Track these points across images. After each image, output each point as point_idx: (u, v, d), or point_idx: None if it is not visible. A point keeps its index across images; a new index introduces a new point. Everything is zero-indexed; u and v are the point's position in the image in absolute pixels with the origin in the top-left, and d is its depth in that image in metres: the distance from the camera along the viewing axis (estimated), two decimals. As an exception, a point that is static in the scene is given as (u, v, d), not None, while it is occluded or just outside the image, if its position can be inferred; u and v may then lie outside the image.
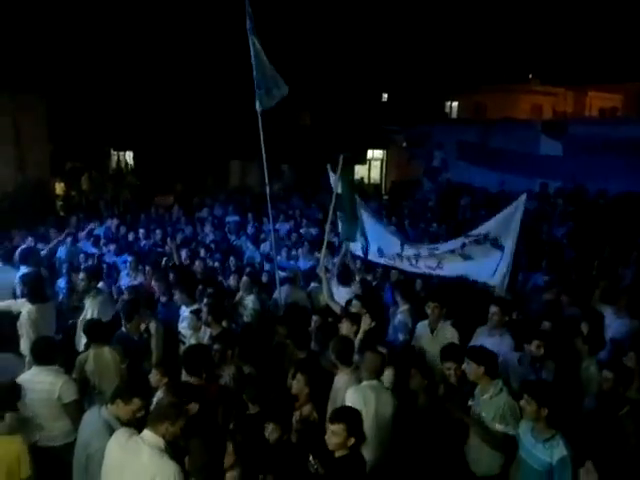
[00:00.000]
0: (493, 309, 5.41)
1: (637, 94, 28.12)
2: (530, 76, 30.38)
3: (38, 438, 4.29)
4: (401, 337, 5.96)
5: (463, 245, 6.33)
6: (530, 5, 25.56)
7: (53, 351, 4.55)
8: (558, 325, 5.48)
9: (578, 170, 13.47)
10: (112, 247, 9.49)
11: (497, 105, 27.33)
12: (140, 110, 20.72)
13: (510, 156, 14.29)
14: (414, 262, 6.74)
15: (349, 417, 3.55)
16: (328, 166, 7.70)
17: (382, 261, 7.23)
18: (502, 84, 28.24)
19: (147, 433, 3.37)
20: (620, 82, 27.82)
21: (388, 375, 4.67)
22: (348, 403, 4.12)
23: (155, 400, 4.26)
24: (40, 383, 4.35)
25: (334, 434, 3.47)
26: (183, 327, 6.37)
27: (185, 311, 6.51)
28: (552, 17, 26.04)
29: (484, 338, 5.33)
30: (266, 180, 7.31)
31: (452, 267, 6.48)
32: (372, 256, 7.22)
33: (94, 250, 9.48)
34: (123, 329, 5.78)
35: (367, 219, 7.13)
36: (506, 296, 6.21)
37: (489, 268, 6.17)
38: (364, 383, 4.32)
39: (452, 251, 6.41)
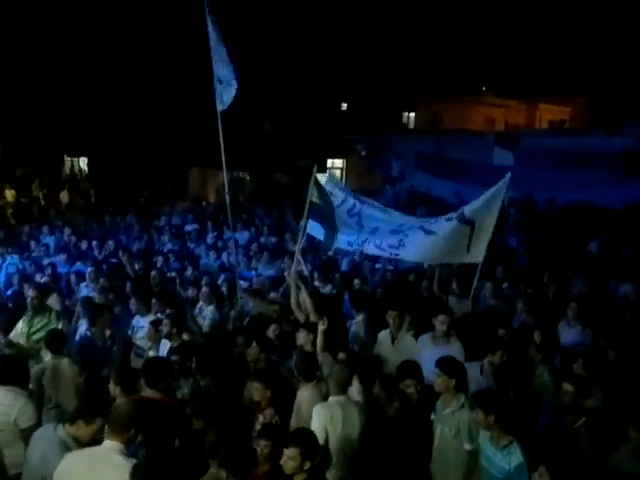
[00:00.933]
0: (442, 318, 5.46)
1: (584, 108, 29.47)
2: (484, 89, 31.37)
3: None
4: (356, 348, 5.91)
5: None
6: (484, 20, 26.44)
7: (17, 371, 4.30)
8: (512, 333, 5.63)
9: (529, 180, 13.95)
10: (62, 256, 9.21)
11: (452, 116, 28.09)
12: (95, 115, 20.24)
13: (464, 166, 14.67)
14: (379, 242, 6.59)
15: (303, 440, 3.48)
16: (315, 169, 7.57)
17: (351, 249, 7.16)
18: (457, 96, 29.07)
19: (108, 443, 3.30)
20: (569, 96, 29.11)
21: (355, 385, 4.59)
22: (314, 420, 4.07)
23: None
24: None
25: (289, 458, 3.41)
26: (139, 338, 6.25)
27: (139, 321, 6.41)
28: (505, 32, 27.01)
29: (430, 347, 5.35)
30: (226, 189, 7.25)
31: (414, 245, 6.28)
32: (342, 245, 7.05)
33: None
34: (87, 333, 5.69)
35: (340, 214, 6.84)
36: (465, 304, 6.34)
37: (459, 245, 6.03)
38: (331, 399, 4.23)
39: (418, 226, 6.29)
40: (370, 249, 6.80)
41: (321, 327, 5.15)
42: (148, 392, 4.28)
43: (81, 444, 3.54)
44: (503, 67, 28.11)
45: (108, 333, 5.87)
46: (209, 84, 6.84)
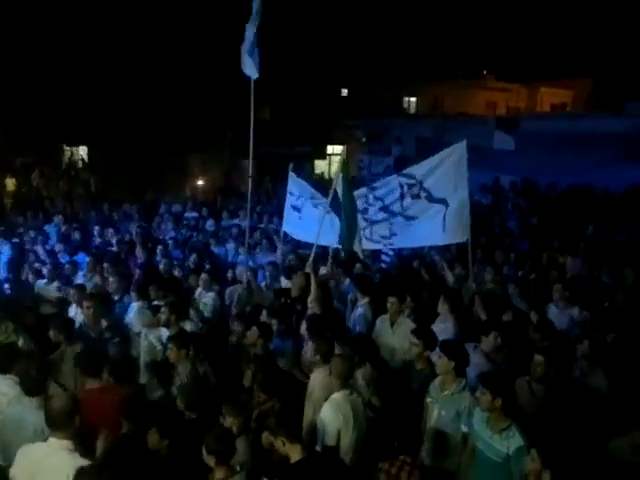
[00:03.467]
0: (442, 301, 5.56)
1: (586, 90, 29.18)
2: (485, 72, 31.10)
3: None
4: (361, 330, 6.00)
5: (402, 196, 6.14)
6: (484, 4, 26.17)
7: (13, 360, 4.31)
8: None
9: (530, 164, 13.90)
10: (62, 246, 9.23)
11: (453, 101, 27.88)
12: (93, 104, 20.14)
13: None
14: (368, 234, 6.56)
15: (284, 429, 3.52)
16: (290, 167, 7.57)
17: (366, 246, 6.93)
18: (458, 80, 28.84)
19: (53, 441, 3.35)
20: (570, 78, 28.82)
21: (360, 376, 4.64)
22: (326, 423, 3.99)
23: None
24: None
25: (277, 448, 3.52)
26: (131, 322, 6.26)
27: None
28: (506, 15, 26.72)
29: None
30: (250, 172, 7.14)
31: (404, 233, 6.31)
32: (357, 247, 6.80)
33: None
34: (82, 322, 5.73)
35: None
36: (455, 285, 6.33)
37: (436, 227, 6.00)
38: (337, 395, 4.13)
39: (394, 213, 6.24)
40: (364, 243, 6.71)
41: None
42: (90, 384, 4.33)
43: None
44: (504, 50, 27.85)
45: (105, 324, 5.78)
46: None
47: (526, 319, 5.64)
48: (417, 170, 6.18)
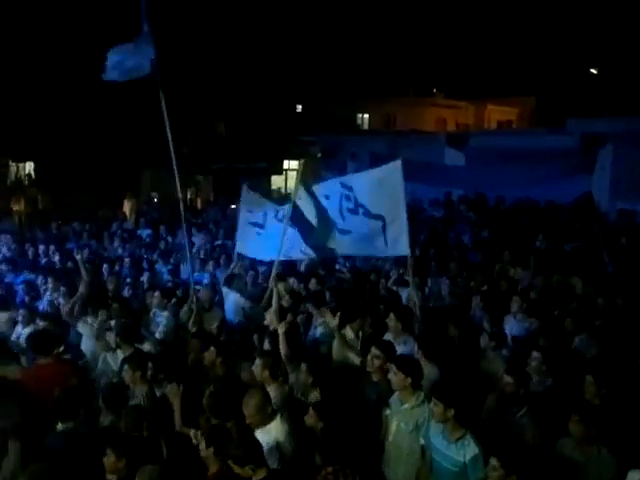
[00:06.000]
0: (391, 317, 5.55)
1: (529, 107, 30.59)
2: (435, 90, 32.12)
3: None
4: (323, 350, 5.79)
5: (340, 208, 6.27)
6: (434, 25, 27.10)
7: None
8: (464, 326, 5.76)
9: (479, 179, 14.36)
10: (5, 266, 8.80)
11: (405, 117, 28.64)
12: (41, 117, 19.52)
13: (417, 166, 15.00)
14: (304, 247, 6.59)
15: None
16: (245, 184, 7.52)
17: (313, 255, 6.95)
18: (409, 97, 29.67)
19: None
20: (515, 96, 30.17)
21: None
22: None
23: None
24: None
25: (243, 474, 3.42)
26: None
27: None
28: (454, 35, 27.75)
29: None
30: (179, 191, 6.97)
31: (341, 245, 6.39)
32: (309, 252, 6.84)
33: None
34: None
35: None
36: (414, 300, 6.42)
37: (376, 240, 6.09)
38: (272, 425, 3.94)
39: (333, 228, 6.34)
40: (294, 253, 6.73)
41: (281, 330, 5.09)
42: (41, 361, 4.75)
43: None
44: (453, 69, 28.87)
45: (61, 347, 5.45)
46: (161, 87, 6.55)
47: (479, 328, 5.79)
48: (354, 181, 6.32)
